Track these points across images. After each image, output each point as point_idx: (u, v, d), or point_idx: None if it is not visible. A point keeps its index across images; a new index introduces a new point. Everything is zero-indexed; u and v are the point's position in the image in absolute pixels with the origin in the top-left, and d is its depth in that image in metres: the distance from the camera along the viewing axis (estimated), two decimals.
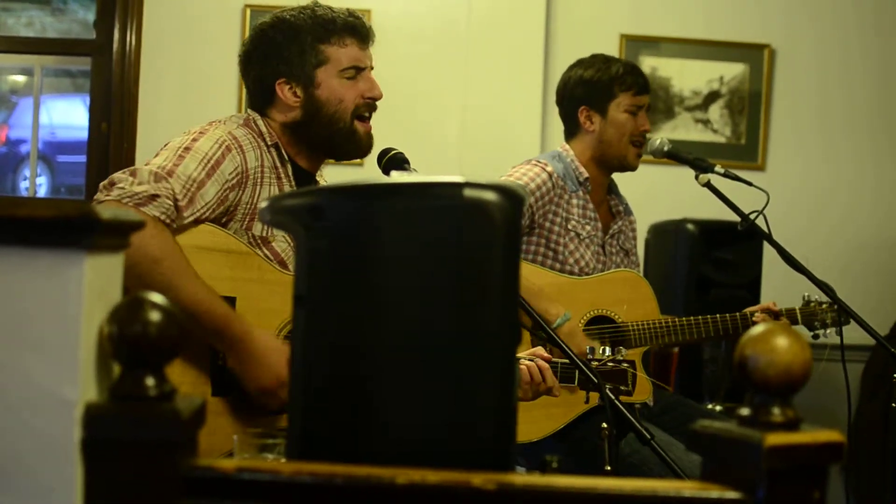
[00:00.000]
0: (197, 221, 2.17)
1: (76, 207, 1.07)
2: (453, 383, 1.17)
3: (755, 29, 4.74)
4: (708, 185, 2.92)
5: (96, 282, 1.12)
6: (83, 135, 4.75)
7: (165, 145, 2.25)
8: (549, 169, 3.08)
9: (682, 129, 4.71)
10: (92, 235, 1.09)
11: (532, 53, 4.59)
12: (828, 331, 3.06)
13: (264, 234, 2.27)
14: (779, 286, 3.83)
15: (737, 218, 2.84)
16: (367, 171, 4.26)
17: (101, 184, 2.13)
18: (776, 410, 1.08)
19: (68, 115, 6.08)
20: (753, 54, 4.72)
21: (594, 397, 2.31)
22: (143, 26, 4.50)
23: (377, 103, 2.42)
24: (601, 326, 3.03)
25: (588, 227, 3.12)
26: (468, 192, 1.18)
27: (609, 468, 1.98)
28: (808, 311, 3.09)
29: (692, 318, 3.06)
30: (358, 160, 2.48)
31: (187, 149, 2.20)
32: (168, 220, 2.10)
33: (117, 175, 2.12)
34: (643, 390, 2.92)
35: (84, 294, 1.09)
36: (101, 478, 1.08)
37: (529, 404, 2.42)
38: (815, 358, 1.11)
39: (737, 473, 1.07)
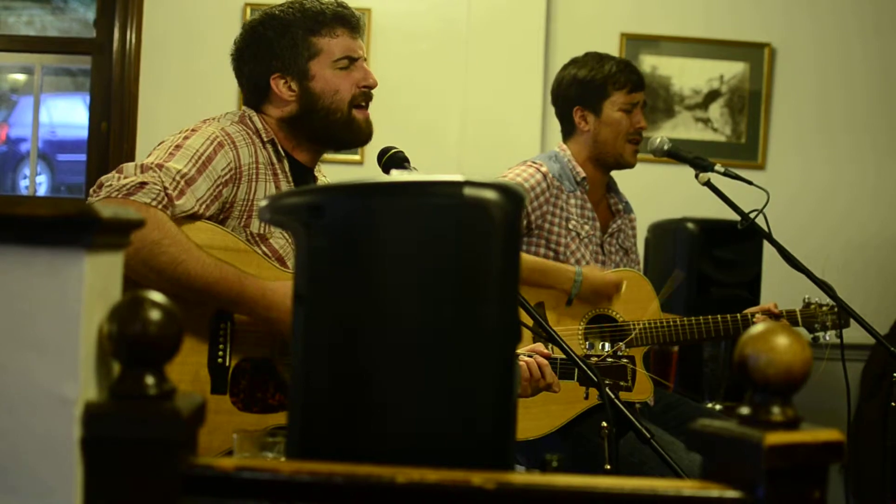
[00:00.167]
0: (193, 218, 2.17)
1: (76, 206, 1.07)
2: (453, 382, 1.17)
3: (755, 28, 4.74)
4: (708, 183, 2.92)
5: (96, 280, 1.12)
6: (83, 133, 4.75)
7: (159, 144, 2.25)
8: (543, 169, 3.08)
9: (682, 127, 4.71)
10: (92, 234, 1.09)
11: (532, 52, 4.59)
12: (828, 333, 3.06)
13: (262, 231, 2.27)
14: (779, 285, 3.83)
15: (737, 217, 2.84)
16: (366, 170, 4.26)
17: (92, 188, 2.14)
18: (776, 409, 1.08)
19: (68, 114, 6.08)
20: (753, 53, 4.72)
21: (593, 393, 2.31)
22: (143, 25, 4.50)
23: (374, 96, 2.42)
24: (602, 325, 3.03)
25: (587, 227, 3.12)
26: (468, 191, 1.18)
27: (609, 467, 1.98)
28: (809, 313, 3.09)
29: (693, 318, 3.06)
30: (357, 158, 2.47)
31: (178, 146, 2.20)
32: (161, 206, 2.09)
33: (104, 176, 2.13)
34: (644, 389, 2.92)
35: (84, 293, 1.09)
36: (101, 476, 1.08)
37: (529, 402, 2.42)
38: (815, 358, 1.11)
39: (737, 472, 1.07)
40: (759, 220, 2.80)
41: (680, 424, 2.94)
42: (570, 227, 3.08)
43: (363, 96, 2.39)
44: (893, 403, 2.84)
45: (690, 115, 4.72)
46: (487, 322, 1.18)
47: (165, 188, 2.10)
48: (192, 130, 2.27)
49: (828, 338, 3.05)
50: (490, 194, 1.19)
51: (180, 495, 1.07)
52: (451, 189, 1.18)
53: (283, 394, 2.23)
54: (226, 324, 2.20)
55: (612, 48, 4.54)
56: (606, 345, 2.39)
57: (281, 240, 2.30)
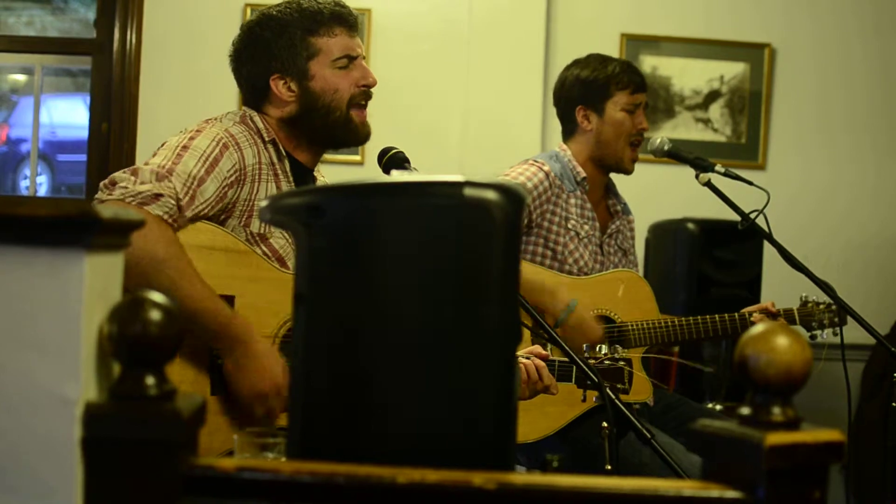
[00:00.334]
0: (195, 218, 2.17)
1: (76, 206, 1.07)
2: (454, 382, 1.17)
3: (755, 28, 4.74)
4: (708, 184, 2.92)
5: (96, 281, 1.12)
6: (83, 134, 4.75)
7: (163, 144, 2.25)
8: (545, 168, 3.08)
9: (682, 128, 4.71)
10: (92, 234, 1.09)
11: (533, 53, 4.59)
12: (825, 331, 3.06)
13: (262, 231, 2.28)
14: (779, 285, 3.82)
15: (737, 217, 2.84)
16: (367, 171, 4.26)
17: (102, 183, 2.13)
18: (776, 410, 1.08)
19: (69, 115, 6.08)
20: (754, 53, 4.72)
21: (591, 396, 2.31)
22: (143, 25, 4.50)
23: (375, 97, 2.43)
24: (600, 326, 3.03)
25: (586, 227, 3.12)
26: (468, 191, 1.18)
27: (609, 468, 1.98)
28: (806, 311, 3.09)
29: (691, 318, 3.06)
30: (358, 159, 2.48)
31: (185, 147, 2.20)
32: (171, 220, 2.10)
33: (118, 174, 2.12)
34: (643, 390, 2.92)
35: (84, 293, 1.09)
36: (102, 477, 1.08)
37: (529, 403, 2.42)
38: (813, 357, 1.11)
39: (737, 473, 1.07)
40: (760, 221, 2.80)
41: (680, 425, 2.94)
42: (570, 226, 3.08)
43: (362, 95, 2.39)
44: (894, 404, 2.83)
45: (691, 116, 4.72)
46: (488, 322, 1.18)
47: (178, 199, 2.10)
48: (197, 131, 2.27)
49: (825, 336, 3.05)
50: (490, 195, 1.19)
51: (181, 496, 1.07)
52: (451, 189, 1.18)
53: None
54: None
55: (613, 49, 4.54)
56: (603, 347, 2.39)
57: (281, 240, 2.30)
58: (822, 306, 3.08)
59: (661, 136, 3.14)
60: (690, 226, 4.21)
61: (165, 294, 2.01)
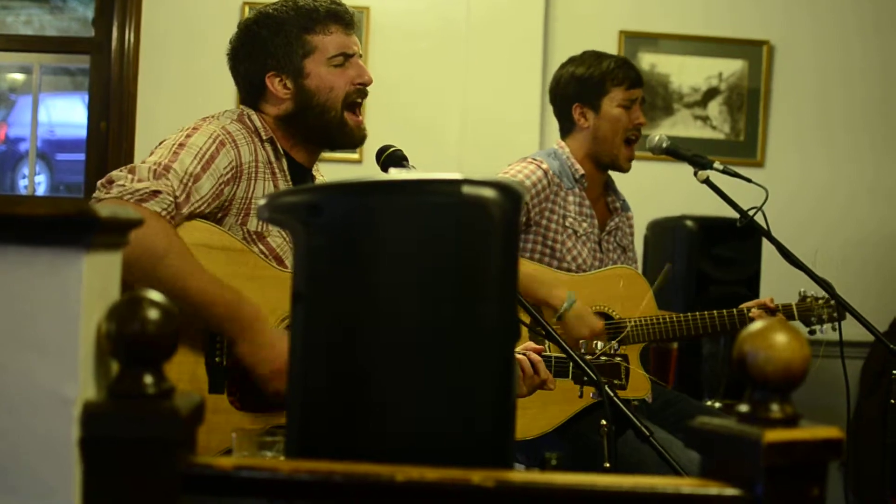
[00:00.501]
0: (192, 216, 2.17)
1: (75, 206, 1.07)
2: (452, 380, 1.17)
3: (754, 25, 4.74)
4: (707, 181, 2.92)
5: (95, 280, 1.12)
6: (82, 133, 4.75)
7: (160, 143, 2.26)
8: (544, 166, 3.08)
9: (680, 125, 4.71)
10: (91, 234, 1.09)
11: (531, 51, 4.59)
12: (824, 326, 3.06)
13: (259, 230, 2.28)
14: (778, 282, 3.82)
15: (736, 214, 2.85)
16: (365, 169, 4.26)
17: (100, 182, 2.13)
18: (775, 407, 1.08)
19: (67, 114, 6.08)
20: (752, 51, 4.72)
21: (588, 392, 2.31)
22: (141, 24, 4.50)
23: (373, 95, 2.43)
24: (600, 320, 3.03)
25: (585, 224, 3.12)
26: (466, 189, 1.18)
27: (608, 465, 1.98)
28: (805, 306, 3.09)
29: (689, 314, 3.06)
30: (356, 157, 2.48)
31: (182, 145, 2.20)
32: (169, 217, 2.10)
33: (115, 173, 2.12)
34: (641, 387, 2.93)
35: (83, 292, 1.09)
36: (100, 476, 1.08)
37: (527, 401, 2.42)
38: (812, 354, 1.11)
39: (736, 470, 1.07)
40: (758, 218, 2.80)
41: (679, 422, 2.94)
42: (568, 224, 3.09)
43: (358, 93, 2.40)
44: (893, 401, 2.84)
45: (689, 113, 4.72)
46: (486, 321, 1.18)
47: (176, 197, 2.11)
48: (194, 129, 2.27)
49: (824, 331, 3.06)
50: (489, 192, 1.19)
51: (179, 494, 1.07)
52: (449, 187, 1.18)
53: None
54: None
55: (611, 46, 4.54)
56: (599, 343, 2.39)
57: (278, 238, 2.30)
58: (820, 301, 3.08)
59: (660, 133, 3.14)
60: (689, 223, 4.21)
61: (169, 287, 2.04)
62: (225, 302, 2.12)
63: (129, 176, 2.11)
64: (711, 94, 4.73)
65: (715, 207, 3.33)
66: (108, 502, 1.07)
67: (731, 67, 4.72)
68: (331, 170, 2.71)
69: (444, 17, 4.59)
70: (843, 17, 4.76)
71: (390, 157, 2.36)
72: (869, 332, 2.66)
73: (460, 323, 1.17)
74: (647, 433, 2.03)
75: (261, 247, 2.27)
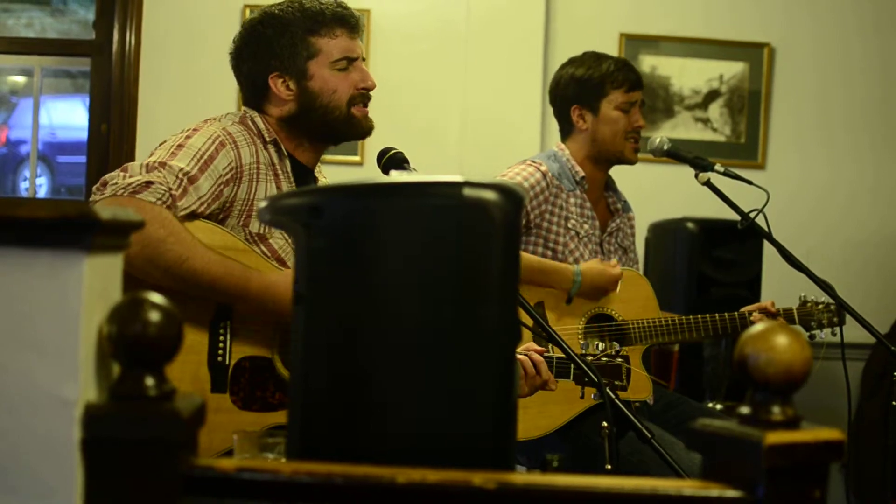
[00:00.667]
0: (192, 216, 2.17)
1: (76, 208, 1.07)
2: (453, 382, 1.17)
3: (755, 28, 4.74)
4: (708, 183, 2.92)
5: (96, 282, 1.12)
6: (83, 135, 4.75)
7: (160, 144, 2.26)
8: (542, 168, 3.08)
9: (681, 127, 4.71)
10: (91, 236, 1.09)
11: (532, 52, 4.59)
12: (824, 331, 3.07)
13: (261, 231, 2.28)
14: (779, 285, 3.83)
15: (737, 216, 2.85)
16: (366, 171, 4.26)
17: (95, 186, 2.14)
18: (776, 409, 1.08)
19: (68, 116, 6.08)
20: (753, 53, 4.72)
21: (589, 393, 2.31)
22: (142, 26, 4.51)
23: (373, 97, 2.43)
24: (601, 324, 3.03)
25: (586, 226, 3.12)
26: (467, 192, 1.18)
27: (609, 467, 1.98)
28: (805, 311, 3.09)
29: (690, 317, 3.06)
30: (357, 159, 2.48)
31: (180, 146, 2.21)
32: (165, 206, 2.10)
33: (108, 175, 2.13)
34: (642, 388, 2.93)
35: (84, 294, 1.09)
36: (102, 477, 1.08)
37: (529, 401, 2.42)
38: (813, 356, 1.11)
39: (737, 472, 1.07)
40: (759, 220, 2.81)
41: (680, 423, 2.94)
42: (570, 226, 3.08)
43: (361, 98, 2.40)
44: (894, 402, 2.84)
45: (690, 115, 4.72)
46: (487, 322, 1.18)
47: (170, 188, 2.11)
48: (194, 130, 2.27)
49: (823, 335, 3.06)
50: (489, 195, 1.19)
51: (180, 496, 1.07)
52: (450, 190, 1.18)
53: (282, 392, 2.24)
54: (225, 322, 2.20)
55: (612, 48, 4.54)
56: (600, 344, 2.39)
57: (280, 240, 2.30)
58: (821, 306, 3.08)
59: (661, 135, 3.14)
60: (690, 225, 4.21)
61: (174, 270, 2.05)
62: (233, 276, 2.13)
63: (122, 174, 2.12)
64: (712, 96, 4.73)
65: (716, 209, 3.33)
66: None
67: (732, 69, 4.73)
68: (332, 172, 2.71)
69: (445, 18, 4.59)
70: (843, 19, 4.77)
71: (391, 160, 2.36)
72: (870, 333, 2.66)
73: (461, 324, 1.17)
74: (649, 435, 2.03)
75: (263, 248, 2.27)
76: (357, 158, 4.35)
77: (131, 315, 1.09)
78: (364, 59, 2.44)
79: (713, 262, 4.21)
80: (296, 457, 1.20)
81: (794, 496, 1.07)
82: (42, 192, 5.92)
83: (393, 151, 2.37)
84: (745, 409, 1.10)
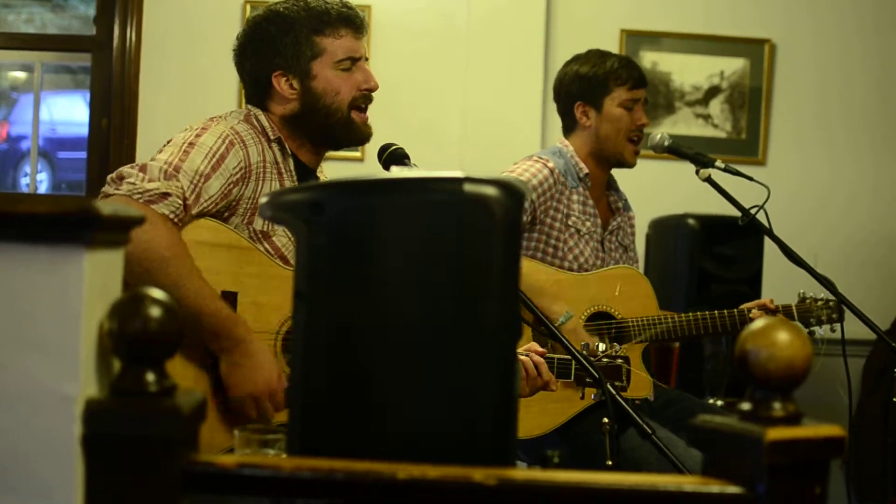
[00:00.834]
0: (200, 215, 2.18)
1: (76, 203, 1.07)
2: (454, 379, 1.17)
3: (755, 24, 4.74)
4: (708, 179, 2.92)
5: (96, 278, 1.12)
6: (84, 131, 4.75)
7: (169, 141, 2.25)
8: (550, 165, 3.08)
9: (682, 124, 4.71)
10: (92, 231, 1.09)
11: (532, 49, 4.58)
12: (823, 328, 3.07)
13: (265, 229, 2.28)
14: (779, 281, 3.83)
15: (737, 213, 2.84)
16: (367, 167, 4.26)
17: (109, 177, 2.13)
18: (777, 405, 1.08)
19: (69, 112, 6.07)
20: (754, 49, 4.72)
21: (589, 393, 2.31)
22: (143, 22, 4.50)
23: (374, 95, 2.42)
24: (601, 322, 3.03)
25: (588, 224, 3.12)
26: (468, 188, 1.18)
27: (610, 463, 1.99)
28: (804, 308, 3.10)
29: (690, 314, 3.06)
30: (358, 155, 2.47)
31: (192, 144, 2.20)
32: (177, 220, 2.11)
33: (126, 169, 2.12)
34: (642, 386, 2.93)
35: (84, 290, 1.09)
36: (102, 474, 1.08)
37: (530, 400, 2.42)
38: (814, 352, 1.11)
39: (737, 468, 1.07)
40: (760, 216, 2.80)
41: (681, 420, 2.94)
42: (571, 223, 3.08)
43: (363, 98, 2.39)
44: (895, 399, 2.84)
45: (691, 112, 4.72)
46: (488, 320, 1.18)
47: (185, 199, 2.11)
48: (203, 129, 2.26)
49: (822, 332, 3.06)
50: (490, 191, 1.18)
51: (181, 492, 1.07)
52: (451, 186, 1.18)
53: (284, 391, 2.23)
54: None
55: (613, 45, 4.54)
56: (601, 345, 2.39)
57: (283, 238, 2.30)
58: (819, 303, 3.08)
59: (661, 131, 3.13)
60: (691, 222, 4.21)
61: (168, 293, 2.04)
62: (219, 318, 2.11)
63: (140, 174, 2.11)
64: (713, 92, 4.72)
65: (717, 206, 3.33)
66: (110, 500, 1.07)
67: (733, 66, 4.72)
68: (333, 168, 2.71)
69: (446, 15, 4.59)
70: (843, 16, 4.76)
71: (392, 156, 2.36)
72: (870, 329, 2.66)
73: (462, 322, 1.17)
74: (649, 431, 2.03)
75: (266, 246, 2.27)
76: (358, 154, 4.35)
77: (132, 311, 1.09)
78: (367, 59, 2.43)
79: (714, 259, 4.21)
80: (296, 454, 1.20)
81: (795, 492, 1.07)
82: (43, 188, 5.92)
83: (394, 147, 2.37)
84: (745, 406, 1.10)
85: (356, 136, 2.41)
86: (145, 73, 4.50)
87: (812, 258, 3.04)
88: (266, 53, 2.37)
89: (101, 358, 1.13)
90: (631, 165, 3.19)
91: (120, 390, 1.09)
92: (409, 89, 4.50)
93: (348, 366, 1.18)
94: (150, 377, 1.09)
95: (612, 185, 3.29)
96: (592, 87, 3.15)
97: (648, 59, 4.67)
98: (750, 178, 2.85)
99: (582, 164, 3.14)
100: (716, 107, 4.72)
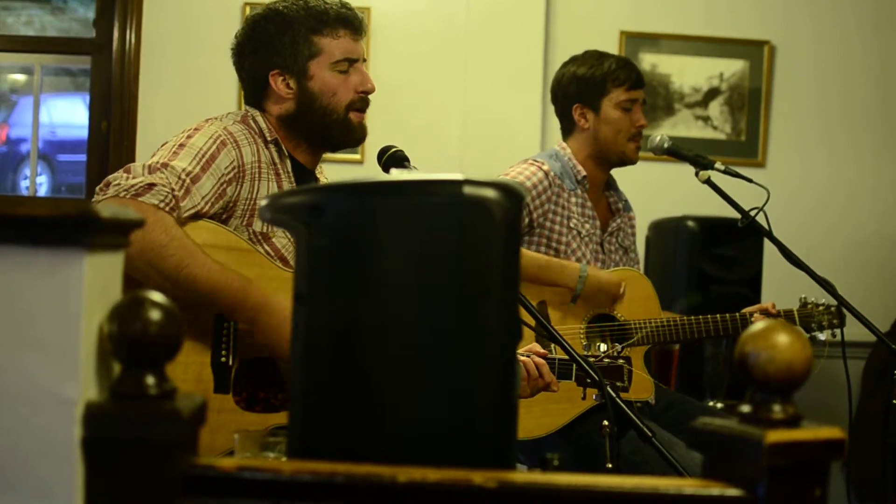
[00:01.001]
0: (196, 216, 2.17)
1: (76, 206, 1.07)
2: (454, 381, 1.17)
3: (755, 25, 4.74)
4: (708, 181, 2.92)
5: (96, 280, 1.12)
6: (83, 133, 4.75)
7: (162, 145, 2.26)
8: (545, 168, 3.07)
9: (682, 125, 4.71)
10: (91, 234, 1.09)
11: (532, 51, 4.58)
12: (824, 333, 3.07)
13: (264, 231, 2.28)
14: (779, 283, 3.83)
15: (737, 215, 2.85)
16: (367, 169, 4.26)
17: (98, 186, 2.14)
18: (777, 407, 1.08)
19: (68, 114, 6.07)
20: (753, 51, 4.72)
21: (591, 394, 2.31)
22: (142, 24, 4.50)
23: (374, 96, 2.42)
24: (603, 324, 3.03)
25: (587, 226, 3.12)
26: (468, 190, 1.18)
27: (610, 465, 1.98)
28: (806, 312, 3.10)
29: (692, 317, 3.06)
30: (358, 157, 2.47)
31: (182, 145, 2.21)
32: (168, 209, 2.10)
33: (112, 175, 2.13)
34: (644, 388, 2.93)
35: (84, 293, 1.09)
36: (102, 477, 1.08)
37: (532, 401, 2.42)
38: (814, 355, 1.11)
39: (738, 471, 1.07)
40: (760, 218, 2.81)
41: (681, 422, 2.94)
42: (572, 225, 3.08)
43: (360, 101, 2.39)
44: (895, 401, 2.84)
45: (690, 113, 4.72)
46: (488, 321, 1.18)
47: (173, 189, 2.10)
48: (195, 129, 2.27)
49: (823, 337, 3.06)
50: (490, 193, 1.18)
51: (181, 495, 1.07)
52: (451, 188, 1.18)
53: (285, 393, 2.23)
54: (229, 323, 2.20)
55: (612, 46, 4.54)
56: (602, 346, 2.39)
57: (283, 239, 2.30)
58: (821, 308, 3.09)
59: (661, 133, 3.14)
60: (690, 223, 4.21)
61: (175, 277, 2.05)
62: (232, 288, 2.12)
63: (125, 175, 2.11)
64: (712, 94, 4.72)
65: (716, 208, 3.33)
66: (110, 503, 1.07)
67: (732, 67, 4.72)
68: (333, 170, 2.71)
69: (445, 17, 4.59)
70: (843, 17, 4.76)
71: (392, 158, 2.36)
72: (870, 332, 2.66)
73: (462, 324, 1.17)
74: (650, 433, 2.03)
75: (266, 248, 2.27)
76: (357, 157, 4.35)
77: (132, 314, 1.09)
78: (365, 61, 2.43)
79: (714, 261, 4.21)
80: (296, 456, 1.20)
81: (795, 495, 1.07)
82: (42, 191, 5.92)
83: (393, 149, 2.37)
84: (745, 408, 1.10)
85: (353, 136, 2.41)
86: (145, 76, 4.50)
87: (825, 255, 3.06)
88: (264, 52, 2.37)
89: (101, 361, 1.13)
90: (633, 162, 3.19)
91: (120, 393, 1.09)
92: (409, 91, 4.50)
93: (349, 367, 1.18)
94: (150, 380, 1.09)
95: (611, 186, 3.29)
96: (590, 88, 3.15)
97: (648, 60, 4.67)
98: (749, 180, 2.85)
99: (580, 167, 3.14)
100: (715, 108, 4.72)
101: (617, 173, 3.28)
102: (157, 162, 2.14)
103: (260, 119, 2.37)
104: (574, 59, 3.23)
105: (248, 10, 4.45)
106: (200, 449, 1.13)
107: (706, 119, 4.72)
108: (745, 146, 4.73)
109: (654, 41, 4.70)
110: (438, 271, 1.17)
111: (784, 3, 4.76)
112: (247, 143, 2.29)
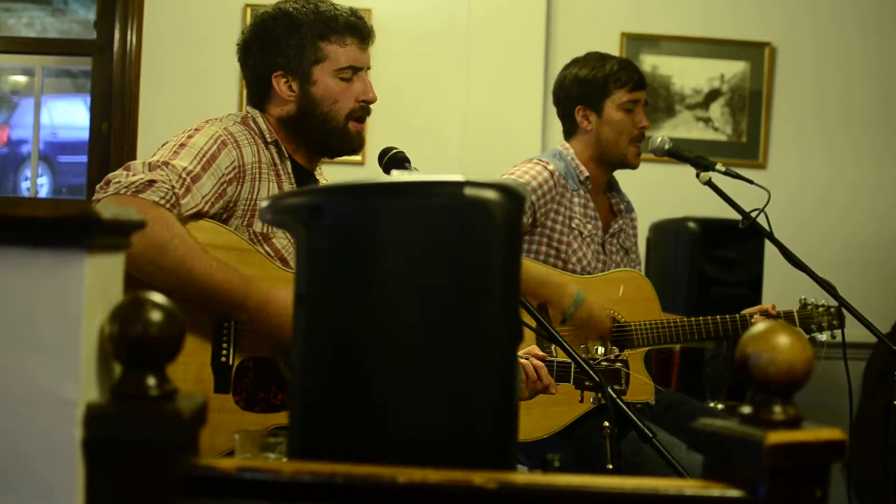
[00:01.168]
0: (197, 216, 2.17)
1: (76, 207, 1.08)
2: (454, 382, 1.17)
3: (756, 27, 4.74)
4: (709, 183, 2.92)
5: (97, 281, 1.12)
6: (84, 135, 4.75)
7: (163, 144, 2.26)
8: (550, 167, 3.08)
9: (682, 127, 4.71)
10: (92, 235, 1.09)
11: (533, 52, 4.59)
12: (824, 334, 3.07)
13: (265, 231, 2.28)
14: (780, 284, 3.82)
15: (738, 216, 2.85)
16: (367, 171, 4.26)
17: (98, 185, 2.14)
18: (777, 408, 1.08)
19: (69, 116, 6.07)
20: (754, 52, 4.72)
21: (588, 397, 2.31)
22: (143, 26, 4.51)
23: (372, 106, 2.42)
24: (609, 319, 3.03)
25: (589, 226, 3.12)
26: (469, 191, 1.18)
27: (611, 466, 1.98)
28: (806, 314, 3.10)
29: (692, 318, 3.06)
30: (359, 159, 2.47)
31: (182, 145, 2.21)
32: (169, 205, 2.09)
33: (112, 174, 2.13)
34: (644, 390, 2.93)
35: (85, 294, 1.09)
36: (103, 477, 1.08)
37: (532, 403, 2.42)
38: (814, 356, 1.11)
39: (738, 472, 1.07)
40: (761, 219, 2.81)
41: (681, 423, 2.94)
42: (574, 225, 3.08)
43: (361, 110, 2.39)
44: (895, 402, 2.84)
45: (691, 115, 4.72)
46: (488, 322, 1.18)
47: (173, 187, 2.10)
48: (196, 130, 2.27)
49: (823, 338, 3.06)
50: (491, 194, 1.19)
51: (182, 496, 1.07)
52: (451, 189, 1.18)
53: (285, 393, 2.24)
54: (229, 323, 2.20)
55: (613, 48, 4.54)
56: (600, 348, 2.39)
57: (283, 240, 2.30)
58: (821, 309, 3.09)
59: (662, 135, 3.14)
60: (691, 225, 4.21)
61: (176, 273, 2.05)
62: (234, 284, 2.12)
63: (125, 172, 2.12)
64: (713, 95, 4.72)
65: (717, 209, 3.33)
66: None
67: (733, 69, 4.72)
68: (333, 172, 2.70)
69: (446, 18, 4.59)
70: (843, 19, 4.77)
71: (392, 159, 2.36)
72: (871, 333, 2.66)
73: (462, 325, 1.17)
74: (650, 434, 2.03)
75: (266, 248, 2.27)
76: (358, 158, 4.35)
77: (133, 315, 1.09)
78: (369, 68, 2.42)
79: (714, 262, 4.21)
80: (297, 457, 1.20)
81: (796, 496, 1.07)
82: (43, 192, 5.92)
83: (394, 151, 2.37)
84: (746, 409, 1.10)
85: (349, 146, 2.41)
86: (146, 77, 4.51)
87: (825, 256, 3.06)
88: (269, 52, 2.36)
89: (102, 361, 1.13)
90: (634, 167, 3.19)
91: (121, 394, 1.09)
92: (410, 92, 4.50)
93: (349, 368, 1.18)
94: (151, 381, 1.09)
95: (613, 187, 3.29)
96: (592, 90, 3.15)
97: (649, 62, 4.67)
98: (750, 182, 2.85)
99: (582, 168, 3.14)
100: (716, 110, 4.72)
101: (618, 174, 3.28)
102: (158, 160, 2.15)
103: (260, 120, 2.37)
104: (576, 61, 3.23)
105: (248, 11, 4.45)
106: (200, 449, 1.13)
107: (707, 120, 4.73)
108: (746, 147, 4.73)
109: (654, 42, 4.70)
110: (439, 272, 1.17)
111: (784, 5, 4.76)
112: (247, 144, 2.29)
